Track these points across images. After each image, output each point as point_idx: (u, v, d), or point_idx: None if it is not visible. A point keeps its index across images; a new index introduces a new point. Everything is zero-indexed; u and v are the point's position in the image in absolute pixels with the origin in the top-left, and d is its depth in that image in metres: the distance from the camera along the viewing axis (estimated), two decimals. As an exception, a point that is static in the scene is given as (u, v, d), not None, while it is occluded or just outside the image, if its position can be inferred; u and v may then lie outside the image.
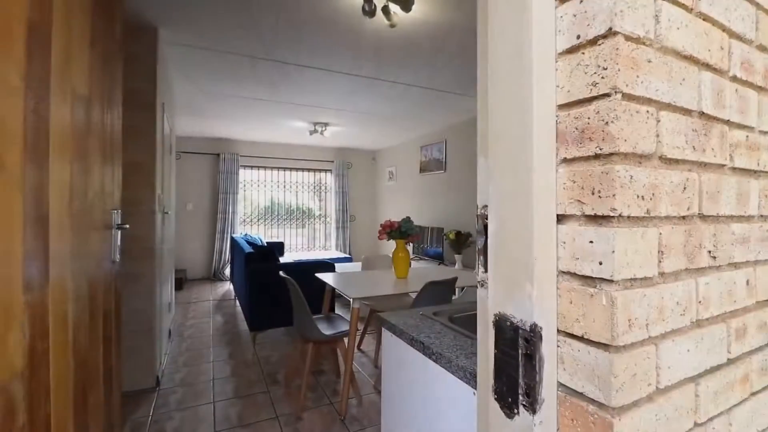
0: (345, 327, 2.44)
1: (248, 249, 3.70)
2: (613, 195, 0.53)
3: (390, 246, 6.53)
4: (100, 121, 1.17)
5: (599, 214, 0.55)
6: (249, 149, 6.89)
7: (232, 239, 5.07)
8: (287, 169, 7.30)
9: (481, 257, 0.71)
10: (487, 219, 0.69)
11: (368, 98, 4.27)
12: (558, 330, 0.60)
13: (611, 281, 0.53)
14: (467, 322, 1.34)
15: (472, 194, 5.23)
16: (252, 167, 7.00)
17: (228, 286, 5.92)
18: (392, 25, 2.28)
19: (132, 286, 2.44)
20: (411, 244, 5.59)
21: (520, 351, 0.60)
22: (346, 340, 2.34)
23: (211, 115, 5.03)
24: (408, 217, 2.78)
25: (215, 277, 6.46)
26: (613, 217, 0.53)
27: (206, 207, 6.61)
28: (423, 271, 3.14)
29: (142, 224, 2.47)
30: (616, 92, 0.53)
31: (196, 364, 3.01)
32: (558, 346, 0.60)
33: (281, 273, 2.41)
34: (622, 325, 0.53)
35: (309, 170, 7.51)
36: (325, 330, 2.40)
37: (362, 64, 3.28)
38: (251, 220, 7.09)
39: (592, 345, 0.55)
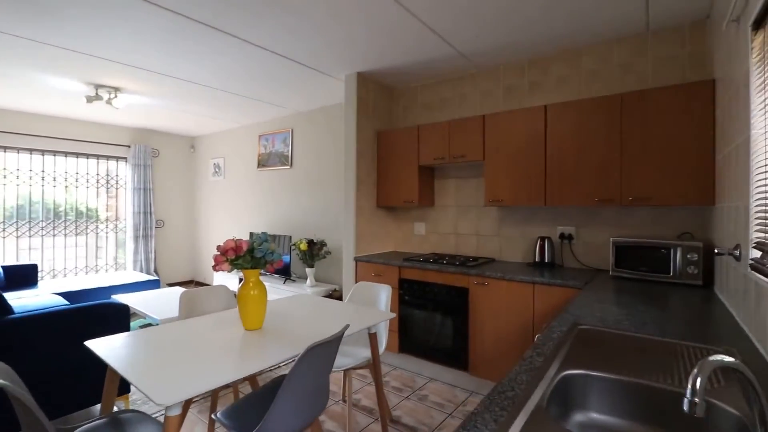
0: (148, 449, 1.28)
1: (-69, 294, 1.92)
2: None
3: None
4: None
5: None
6: (-32, 115, 4.30)
7: None
8: (52, 152, 4.93)
9: None
10: None
11: (192, 57, 2.95)
12: None
13: None
14: None
15: (326, 195, 4.41)
16: (-24, 145, 4.41)
17: None
18: None
19: None
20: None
21: None
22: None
23: None
24: (264, 234, 1.76)
25: None
26: None
27: None
28: (282, 309, 2.16)
29: None
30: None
31: None
32: None
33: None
34: None
35: (92, 156, 5.29)
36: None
37: (180, -11, 2.05)
38: (-25, 229, 4.47)
39: None
